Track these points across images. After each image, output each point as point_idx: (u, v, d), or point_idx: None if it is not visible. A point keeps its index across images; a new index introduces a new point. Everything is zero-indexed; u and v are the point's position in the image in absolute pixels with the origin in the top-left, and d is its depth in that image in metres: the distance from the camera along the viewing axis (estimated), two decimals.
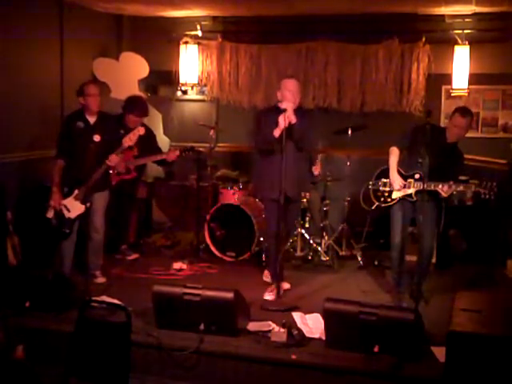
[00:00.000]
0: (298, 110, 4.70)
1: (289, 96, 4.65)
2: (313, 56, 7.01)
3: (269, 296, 4.80)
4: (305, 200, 5.95)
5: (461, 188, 4.38)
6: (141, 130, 4.97)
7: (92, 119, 4.98)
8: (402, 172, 4.62)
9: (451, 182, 4.37)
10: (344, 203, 6.14)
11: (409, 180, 4.56)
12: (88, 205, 4.74)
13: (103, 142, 4.87)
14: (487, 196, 4.27)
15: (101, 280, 5.10)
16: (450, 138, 4.55)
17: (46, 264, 5.03)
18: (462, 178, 5.58)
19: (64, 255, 4.99)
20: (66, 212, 4.91)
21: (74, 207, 4.90)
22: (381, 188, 4.70)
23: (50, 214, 4.93)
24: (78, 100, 4.94)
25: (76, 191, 4.90)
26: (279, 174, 4.49)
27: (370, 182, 4.82)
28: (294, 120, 4.56)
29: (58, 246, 5.02)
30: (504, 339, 3.19)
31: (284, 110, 4.53)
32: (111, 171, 5.25)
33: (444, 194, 4.39)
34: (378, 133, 6.45)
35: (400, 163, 4.64)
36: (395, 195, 4.61)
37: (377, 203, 4.73)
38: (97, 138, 4.86)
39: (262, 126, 4.79)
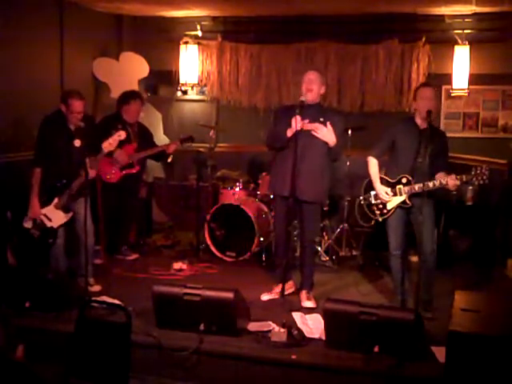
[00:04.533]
0: (325, 109, 4.61)
1: (303, 86, 4.53)
2: (313, 56, 7.01)
3: (266, 296, 4.80)
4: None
5: (463, 179, 4.10)
6: (122, 135, 4.89)
7: (72, 125, 4.73)
8: (389, 180, 4.44)
9: (453, 175, 4.13)
10: (344, 203, 6.14)
11: (398, 186, 4.36)
12: (71, 214, 4.71)
13: (84, 147, 4.59)
14: (481, 181, 4.06)
15: (96, 288, 4.86)
16: (421, 121, 4.32)
17: (44, 264, 5.01)
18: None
19: (56, 257, 4.84)
20: (46, 221, 4.73)
21: (55, 216, 4.74)
22: (373, 201, 4.50)
23: (28, 224, 4.76)
24: (60, 105, 4.70)
25: (56, 199, 4.73)
26: (291, 172, 4.36)
27: (361, 197, 4.64)
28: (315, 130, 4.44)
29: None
30: (504, 339, 3.18)
31: (298, 110, 4.38)
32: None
33: (452, 188, 4.16)
34: (378, 133, 6.41)
35: (387, 169, 4.50)
36: (390, 206, 4.41)
37: (374, 218, 4.52)
38: (77, 142, 4.57)
39: (277, 123, 4.65)
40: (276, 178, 4.75)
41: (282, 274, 4.62)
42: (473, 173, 4.05)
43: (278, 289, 4.66)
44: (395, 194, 4.38)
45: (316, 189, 4.59)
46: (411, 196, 4.32)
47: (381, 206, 4.47)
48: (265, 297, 4.80)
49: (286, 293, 4.60)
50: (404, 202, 4.35)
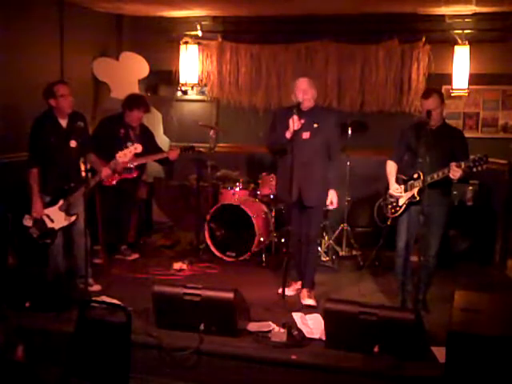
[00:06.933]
0: (320, 110, 4.75)
1: (299, 95, 4.61)
2: (313, 56, 7.01)
3: (291, 292, 4.90)
4: None
5: (469, 164, 4.06)
6: (138, 148, 4.91)
7: (64, 122, 4.73)
8: (404, 178, 4.53)
9: (453, 163, 4.11)
10: (344, 203, 6.14)
11: (410, 182, 4.45)
12: (74, 217, 4.72)
13: (80, 146, 4.61)
14: (479, 168, 4.04)
15: (96, 288, 4.86)
16: (431, 124, 4.35)
17: (43, 264, 5.01)
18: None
19: (55, 257, 4.81)
20: (48, 222, 4.72)
21: (58, 218, 4.73)
22: (388, 200, 4.62)
23: (28, 223, 4.72)
24: (48, 102, 4.69)
25: (61, 202, 4.72)
26: (294, 176, 4.49)
27: (381, 199, 4.76)
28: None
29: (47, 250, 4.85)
30: (504, 339, 3.18)
31: (295, 110, 4.50)
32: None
33: (453, 177, 4.14)
34: (378, 133, 6.46)
35: (405, 168, 4.58)
36: (401, 201, 4.50)
37: (389, 216, 4.60)
38: (73, 143, 4.60)
39: (277, 126, 4.74)
40: (280, 184, 4.88)
41: (284, 273, 4.70)
42: (471, 158, 4.08)
43: (297, 285, 4.91)
44: (406, 190, 4.48)
45: (320, 193, 4.70)
46: (421, 194, 4.33)
47: (394, 203, 4.58)
48: (289, 292, 4.86)
49: (293, 292, 4.90)
50: (413, 196, 4.42)
